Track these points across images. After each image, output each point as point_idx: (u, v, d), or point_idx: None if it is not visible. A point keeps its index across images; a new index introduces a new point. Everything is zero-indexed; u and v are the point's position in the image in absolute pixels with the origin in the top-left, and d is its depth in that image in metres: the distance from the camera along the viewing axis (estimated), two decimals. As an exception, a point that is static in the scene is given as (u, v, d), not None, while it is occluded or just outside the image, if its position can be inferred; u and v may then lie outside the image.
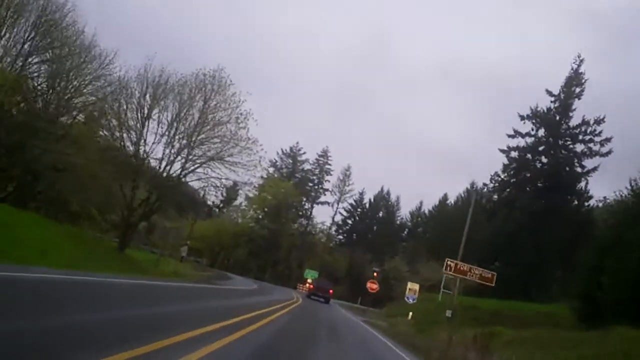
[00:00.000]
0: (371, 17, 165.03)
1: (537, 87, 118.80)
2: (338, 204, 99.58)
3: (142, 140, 28.64)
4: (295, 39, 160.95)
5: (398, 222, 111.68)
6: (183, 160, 29.35)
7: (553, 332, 22.57)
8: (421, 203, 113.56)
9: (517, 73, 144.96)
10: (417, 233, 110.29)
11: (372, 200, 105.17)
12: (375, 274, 57.08)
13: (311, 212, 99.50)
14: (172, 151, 29.03)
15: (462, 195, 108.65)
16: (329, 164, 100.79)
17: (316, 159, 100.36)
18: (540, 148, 58.49)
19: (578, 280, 36.24)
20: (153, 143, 28.85)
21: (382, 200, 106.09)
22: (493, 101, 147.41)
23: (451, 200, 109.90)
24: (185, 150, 29.20)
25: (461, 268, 32.50)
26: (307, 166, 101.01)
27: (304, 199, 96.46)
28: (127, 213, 29.27)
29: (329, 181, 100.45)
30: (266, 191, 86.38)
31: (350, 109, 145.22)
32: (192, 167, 29.77)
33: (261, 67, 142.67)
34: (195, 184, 30.57)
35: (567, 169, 57.33)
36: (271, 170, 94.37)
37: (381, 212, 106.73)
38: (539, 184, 58.84)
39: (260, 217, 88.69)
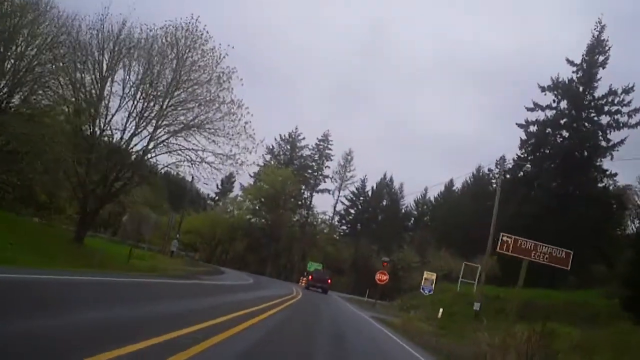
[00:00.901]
0: (373, 5, 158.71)
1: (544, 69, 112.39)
2: (339, 191, 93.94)
3: (101, 106, 23.11)
4: (296, 28, 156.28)
5: (403, 210, 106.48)
6: (152, 129, 23.85)
7: (624, 330, 17.40)
8: (426, 190, 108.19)
9: (524, 59, 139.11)
10: (423, 222, 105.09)
11: (375, 188, 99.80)
12: (384, 264, 51.85)
13: (311, 201, 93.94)
14: (139, 120, 23.55)
15: (469, 180, 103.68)
16: (330, 149, 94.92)
17: (316, 144, 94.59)
18: (562, 121, 53.28)
19: (624, 265, 31.38)
20: (116, 110, 23.26)
21: (385, 187, 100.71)
22: (499, 87, 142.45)
23: (457, 186, 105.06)
24: (154, 119, 23.69)
25: (523, 245, 25.83)
26: (306, 152, 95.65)
27: (303, 187, 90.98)
28: (82, 196, 23.86)
29: (329, 167, 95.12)
30: (262, 180, 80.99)
31: (351, 98, 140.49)
32: (164, 137, 24.17)
33: (258, 56, 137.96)
34: (167, 159, 24.98)
35: (590, 143, 52.07)
36: (268, 157, 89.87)
37: (385, 201, 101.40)
38: (558, 161, 53.58)
39: (257, 207, 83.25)
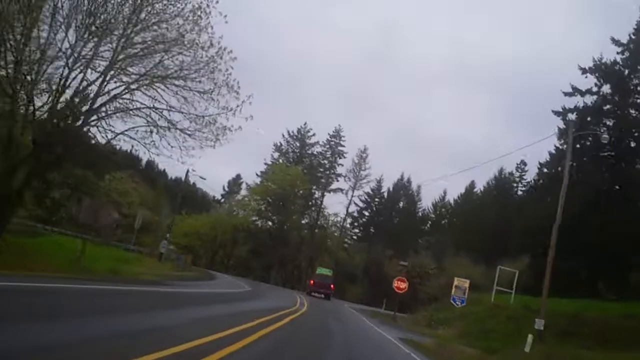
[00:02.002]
0: (384, 8, 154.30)
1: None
2: (353, 191, 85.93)
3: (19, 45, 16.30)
4: (303, 31, 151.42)
5: (419, 214, 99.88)
6: (98, 78, 17.18)
7: None
8: (445, 193, 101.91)
9: (536, 62, 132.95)
10: (441, 225, 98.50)
11: (391, 189, 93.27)
12: (402, 268, 45.53)
13: (322, 202, 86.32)
14: (78, 65, 16.93)
15: (491, 182, 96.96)
16: (342, 145, 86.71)
17: (327, 140, 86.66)
18: (605, 107, 46.63)
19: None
20: (42, 51, 16.55)
21: (402, 189, 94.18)
22: (511, 91, 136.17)
23: (479, 187, 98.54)
24: (95, 58, 17.00)
25: None
26: (317, 149, 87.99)
27: (314, 187, 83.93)
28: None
29: (342, 165, 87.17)
30: (270, 179, 74.64)
31: (361, 102, 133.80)
32: (116, 90, 17.32)
33: (264, 57, 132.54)
34: (121, 126, 18.19)
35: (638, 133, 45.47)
36: (276, 155, 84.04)
37: (401, 203, 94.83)
38: (602, 154, 46.96)
39: (263, 209, 76.83)
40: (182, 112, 17.59)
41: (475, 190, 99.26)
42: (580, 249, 41.03)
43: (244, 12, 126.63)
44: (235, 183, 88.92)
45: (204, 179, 50.48)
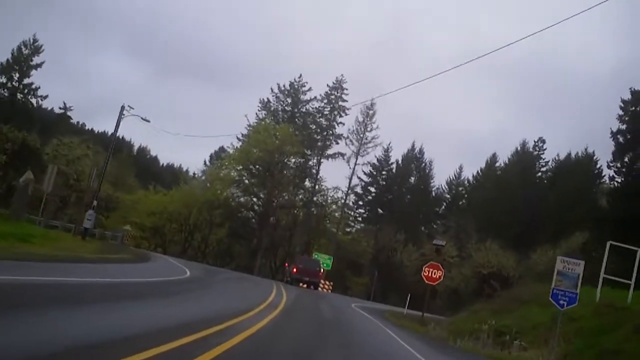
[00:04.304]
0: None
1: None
2: (357, 158, 67.87)
3: None
4: (312, 21, 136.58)
5: (433, 194, 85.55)
6: None
7: None
8: (460, 169, 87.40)
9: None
10: (458, 207, 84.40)
11: (401, 161, 78.52)
12: (437, 250, 31.62)
13: (318, 171, 69.19)
14: None
15: (516, 151, 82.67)
16: (344, 99, 68.87)
17: (326, 93, 68.90)
18: None
19: None
20: None
21: (414, 161, 79.49)
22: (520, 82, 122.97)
23: (502, 161, 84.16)
24: None
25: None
26: (314, 104, 70.57)
27: (309, 152, 67.69)
28: None
29: (343, 124, 69.72)
30: (253, 143, 59.40)
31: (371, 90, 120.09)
32: None
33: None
34: None
35: None
36: (262, 115, 68.21)
37: (412, 178, 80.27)
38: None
39: (245, 181, 62.38)
40: None
41: (497, 164, 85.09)
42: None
43: None
44: (218, 157, 73.99)
45: (148, 120, 36.39)
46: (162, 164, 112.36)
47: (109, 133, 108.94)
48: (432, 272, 30.20)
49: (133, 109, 36.04)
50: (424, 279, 30.78)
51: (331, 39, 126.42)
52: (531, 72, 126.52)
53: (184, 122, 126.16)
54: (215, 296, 16.11)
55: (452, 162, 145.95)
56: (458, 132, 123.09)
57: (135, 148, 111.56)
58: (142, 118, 36.09)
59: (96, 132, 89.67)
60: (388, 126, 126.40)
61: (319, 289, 42.36)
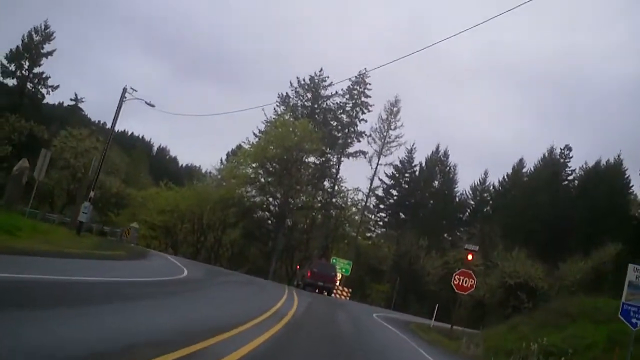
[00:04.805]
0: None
1: None
2: (379, 158, 63.27)
3: None
4: (327, 23, 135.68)
5: (457, 199, 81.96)
6: None
7: None
8: (486, 174, 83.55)
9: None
10: (483, 213, 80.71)
11: (425, 164, 74.96)
12: (469, 255, 28.34)
13: (338, 170, 64.98)
14: None
15: (544, 158, 78.95)
16: (368, 95, 64.63)
17: (348, 89, 64.68)
18: None
19: None
20: None
21: (438, 164, 75.93)
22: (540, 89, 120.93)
23: (530, 166, 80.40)
24: None
25: None
26: (335, 99, 66.61)
27: (328, 150, 63.37)
28: None
29: (365, 121, 65.45)
30: (269, 139, 56.28)
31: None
32: None
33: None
34: None
35: None
36: (281, 110, 64.51)
37: (436, 182, 76.74)
38: None
39: (261, 179, 58.64)
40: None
41: (524, 169, 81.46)
42: None
43: None
44: (234, 155, 70.97)
45: (152, 105, 33.60)
46: (182, 165, 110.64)
47: (128, 132, 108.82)
48: (463, 280, 26.99)
49: (136, 91, 33.36)
50: (454, 287, 27.59)
51: (353, 34, 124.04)
52: (555, 80, 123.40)
53: (200, 120, 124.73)
54: (205, 302, 13.15)
55: (474, 168, 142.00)
56: (481, 138, 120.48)
57: (155, 148, 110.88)
58: (146, 102, 33.32)
59: (117, 131, 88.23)
60: (411, 128, 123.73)
61: (336, 295, 39.94)
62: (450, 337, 25.83)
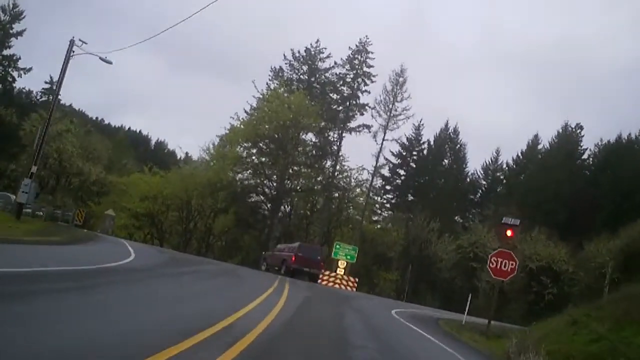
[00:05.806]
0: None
1: None
2: (384, 133, 55.83)
3: None
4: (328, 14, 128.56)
5: (467, 179, 76.66)
6: None
7: None
8: (497, 153, 78.07)
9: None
10: (495, 194, 75.60)
11: (434, 141, 69.19)
12: (510, 232, 22.75)
13: (340, 148, 58.57)
14: None
15: (558, 134, 73.69)
16: (370, 65, 58.13)
17: (347, 58, 58.26)
18: None
19: None
20: None
21: (448, 142, 70.19)
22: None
23: (545, 142, 75.03)
24: None
25: None
26: (334, 71, 60.10)
27: (327, 125, 56.93)
28: None
29: (368, 92, 58.69)
30: (262, 116, 50.16)
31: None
32: None
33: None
34: None
35: None
36: (274, 85, 58.08)
37: (446, 160, 71.08)
38: None
39: (253, 159, 52.81)
40: None
41: (540, 146, 76.25)
42: None
43: None
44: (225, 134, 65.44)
45: (110, 62, 27.85)
46: (180, 157, 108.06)
47: (126, 127, 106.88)
48: (502, 263, 21.34)
49: (86, 44, 27.72)
50: (490, 272, 21.99)
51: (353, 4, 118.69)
52: (562, 60, 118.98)
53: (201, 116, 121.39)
54: (115, 305, 7.52)
55: (483, 149, 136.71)
56: (489, 120, 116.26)
57: (153, 142, 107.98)
58: (101, 58, 27.66)
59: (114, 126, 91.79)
60: (417, 105, 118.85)
61: (341, 286, 35.80)
62: (487, 335, 20.34)
